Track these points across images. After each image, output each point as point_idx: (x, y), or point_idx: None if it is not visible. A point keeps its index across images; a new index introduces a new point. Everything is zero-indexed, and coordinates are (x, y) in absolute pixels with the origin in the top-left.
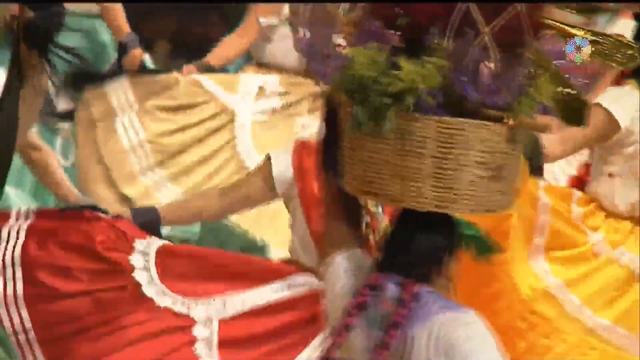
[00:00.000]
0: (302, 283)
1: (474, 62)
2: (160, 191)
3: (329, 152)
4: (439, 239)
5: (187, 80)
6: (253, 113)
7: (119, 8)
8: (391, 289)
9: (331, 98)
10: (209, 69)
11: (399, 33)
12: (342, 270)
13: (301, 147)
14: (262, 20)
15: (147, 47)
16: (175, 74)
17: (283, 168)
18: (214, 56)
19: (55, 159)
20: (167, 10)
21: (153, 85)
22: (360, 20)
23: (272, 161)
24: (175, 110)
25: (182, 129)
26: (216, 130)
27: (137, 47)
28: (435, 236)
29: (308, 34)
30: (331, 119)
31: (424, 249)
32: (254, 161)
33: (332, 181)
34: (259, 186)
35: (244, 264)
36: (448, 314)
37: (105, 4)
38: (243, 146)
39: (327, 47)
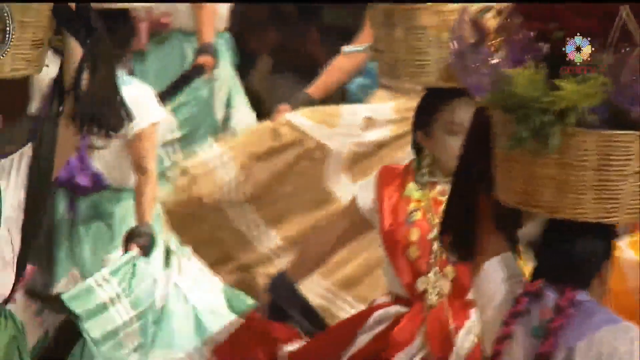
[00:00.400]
0: (380, 319)
1: (634, 75)
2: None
3: (477, 161)
4: (599, 244)
5: (278, 122)
6: (355, 146)
7: (209, 13)
8: (550, 296)
9: (481, 110)
10: (311, 102)
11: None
12: (496, 276)
13: (384, 174)
14: (345, 49)
15: (250, 61)
16: (267, 122)
17: (366, 200)
18: (315, 89)
19: (154, 190)
20: (268, 24)
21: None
22: (509, 32)
23: (357, 195)
24: (261, 157)
25: (268, 171)
26: (305, 168)
27: (207, 56)
28: (596, 241)
29: (457, 46)
30: (480, 130)
31: (585, 255)
32: (347, 194)
33: (480, 190)
34: (348, 225)
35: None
36: (610, 327)
37: (197, 10)
38: (333, 181)
39: (477, 59)
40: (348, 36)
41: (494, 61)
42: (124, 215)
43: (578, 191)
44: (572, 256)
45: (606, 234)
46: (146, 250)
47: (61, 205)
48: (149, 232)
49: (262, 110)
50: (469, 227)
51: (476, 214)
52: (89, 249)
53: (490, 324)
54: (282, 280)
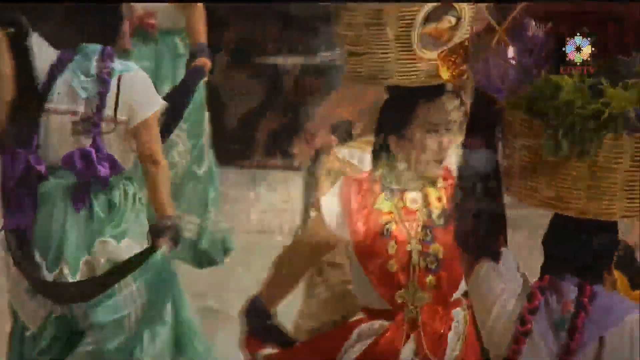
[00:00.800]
0: (364, 333)
1: None
2: None
3: (482, 162)
4: (609, 238)
5: (332, 155)
6: None
7: (201, 13)
8: (569, 290)
9: (480, 110)
10: (349, 126)
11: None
12: (496, 274)
13: (349, 184)
14: (322, 54)
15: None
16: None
17: (333, 214)
18: None
19: (168, 180)
20: (226, 21)
21: None
22: (518, 31)
23: (322, 211)
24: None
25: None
26: None
27: (203, 57)
28: (608, 236)
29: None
30: (483, 129)
31: (600, 250)
32: None
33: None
34: (318, 242)
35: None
36: (635, 313)
37: (190, 10)
38: None
39: (495, 59)
40: (309, 30)
41: (515, 61)
42: (120, 201)
43: (610, 192)
44: (586, 251)
45: (614, 228)
46: (175, 244)
47: (76, 196)
48: (174, 224)
49: (218, 105)
50: (487, 227)
51: (486, 213)
52: (77, 235)
53: (499, 321)
54: (255, 305)
